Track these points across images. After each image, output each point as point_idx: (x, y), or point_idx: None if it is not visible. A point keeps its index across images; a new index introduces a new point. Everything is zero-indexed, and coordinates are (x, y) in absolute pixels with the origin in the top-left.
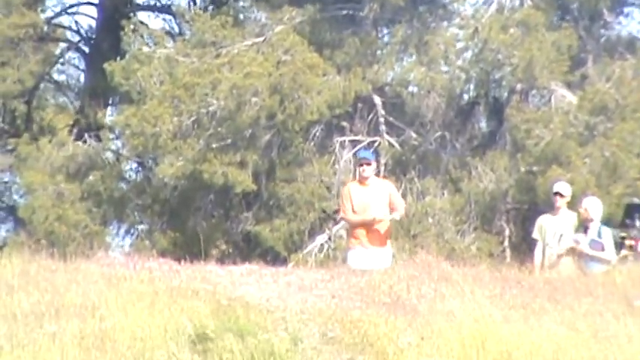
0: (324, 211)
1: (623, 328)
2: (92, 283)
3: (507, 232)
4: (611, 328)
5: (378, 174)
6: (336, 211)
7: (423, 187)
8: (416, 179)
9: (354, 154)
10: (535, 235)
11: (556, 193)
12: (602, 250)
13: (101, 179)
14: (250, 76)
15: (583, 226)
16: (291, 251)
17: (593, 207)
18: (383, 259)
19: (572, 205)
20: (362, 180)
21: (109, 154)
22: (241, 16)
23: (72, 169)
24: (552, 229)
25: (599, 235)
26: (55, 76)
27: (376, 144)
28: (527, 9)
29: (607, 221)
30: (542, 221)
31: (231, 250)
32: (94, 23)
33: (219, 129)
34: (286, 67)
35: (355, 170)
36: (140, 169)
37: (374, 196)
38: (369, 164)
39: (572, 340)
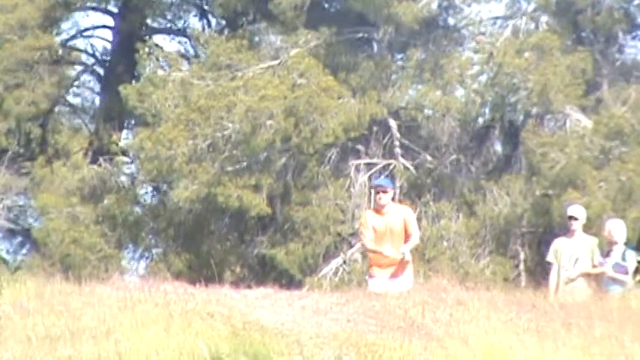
0: (339, 235)
1: (638, 352)
2: (107, 307)
3: (522, 256)
4: (626, 353)
5: (394, 198)
6: (352, 235)
7: (438, 210)
8: (431, 202)
9: (370, 180)
10: (550, 258)
11: (570, 217)
12: (626, 273)
13: (116, 203)
14: (265, 99)
15: (606, 249)
16: (305, 274)
17: (617, 229)
18: (401, 286)
19: (588, 228)
20: (379, 208)
21: (123, 178)
22: (256, 39)
23: (86, 192)
24: (568, 253)
25: (624, 259)
26: (70, 99)
27: (391, 167)
28: (542, 33)
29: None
30: (558, 244)
31: (246, 274)
32: (109, 46)
33: (234, 152)
34: (301, 90)
35: (370, 194)
36: (155, 192)
37: (390, 226)
38: (385, 192)
39: None
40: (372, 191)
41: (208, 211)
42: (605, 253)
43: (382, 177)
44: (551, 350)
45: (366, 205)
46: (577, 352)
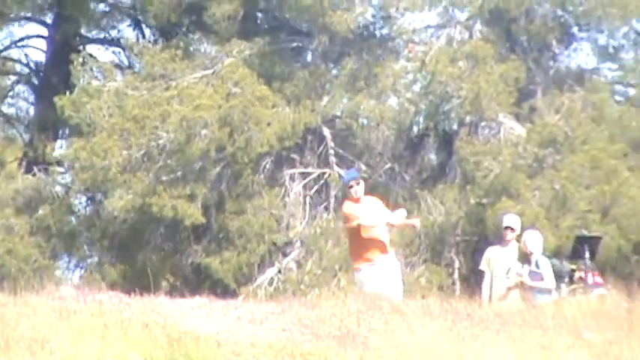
0: (274, 244)
1: None
2: (42, 317)
3: (457, 265)
4: None
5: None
6: (287, 244)
7: None
8: None
9: (305, 189)
10: (483, 266)
11: (507, 227)
12: (542, 279)
13: (51, 213)
14: (200, 109)
15: (527, 259)
16: (240, 284)
17: (532, 240)
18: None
19: (520, 237)
20: (356, 200)
21: (58, 188)
22: (191, 49)
23: (21, 203)
24: (500, 262)
25: (537, 266)
26: (4, 109)
27: (326, 176)
28: (476, 41)
29: (556, 254)
30: (490, 253)
31: (181, 283)
32: (43, 56)
33: (168, 162)
34: (236, 99)
35: (305, 203)
36: (90, 202)
37: (371, 211)
38: (358, 183)
39: None
40: (351, 184)
41: (143, 220)
42: (527, 263)
43: (351, 171)
44: (488, 359)
45: (301, 214)
46: None
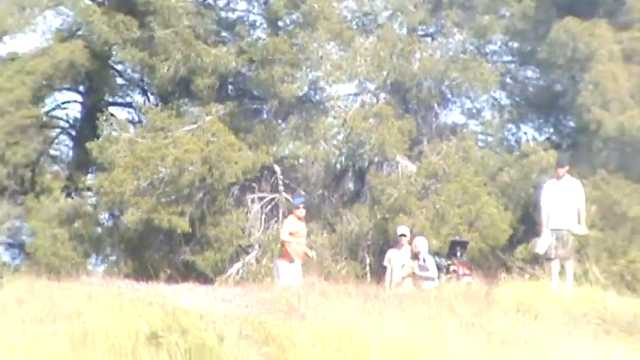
0: (239, 246)
1: (448, 327)
2: (78, 297)
3: (368, 261)
4: (440, 328)
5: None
6: (248, 246)
7: (309, 229)
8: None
9: (262, 208)
10: (385, 263)
11: (401, 235)
12: (428, 271)
13: (83, 225)
14: (188, 152)
15: (416, 257)
16: (216, 274)
17: (420, 244)
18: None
19: (412, 241)
20: (299, 218)
21: (89, 207)
22: (182, 110)
23: (63, 218)
24: (397, 260)
25: (424, 262)
26: (52, 152)
27: (276, 199)
28: (381, 104)
29: (437, 253)
30: (390, 254)
31: (174, 274)
32: (79, 115)
33: (166, 189)
34: (213, 145)
35: (262, 218)
36: (111, 217)
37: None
38: (304, 207)
39: (412, 335)
40: (299, 206)
41: (148, 230)
42: (416, 259)
43: (299, 197)
44: (389, 326)
45: (258, 225)
46: (406, 328)
